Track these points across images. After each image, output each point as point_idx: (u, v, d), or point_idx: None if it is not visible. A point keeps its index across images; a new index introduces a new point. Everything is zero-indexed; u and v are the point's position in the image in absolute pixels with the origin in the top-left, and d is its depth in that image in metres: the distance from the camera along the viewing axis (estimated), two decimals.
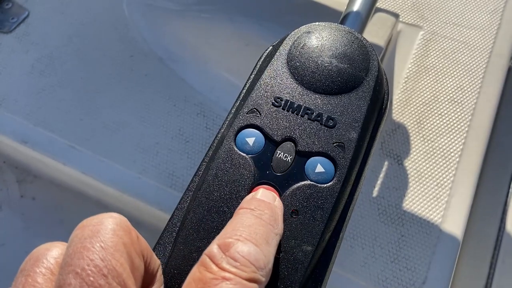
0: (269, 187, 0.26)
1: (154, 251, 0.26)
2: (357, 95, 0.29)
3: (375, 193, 0.52)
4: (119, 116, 0.59)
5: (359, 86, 0.29)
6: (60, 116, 0.60)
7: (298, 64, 0.30)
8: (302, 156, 0.27)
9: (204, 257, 0.20)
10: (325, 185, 0.26)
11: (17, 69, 0.64)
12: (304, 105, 0.28)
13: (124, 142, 0.57)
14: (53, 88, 0.62)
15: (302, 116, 0.28)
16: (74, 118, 0.60)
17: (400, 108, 0.58)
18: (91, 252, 0.19)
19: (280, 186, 0.26)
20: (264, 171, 0.27)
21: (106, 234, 0.20)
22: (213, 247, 0.20)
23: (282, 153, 0.27)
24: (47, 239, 0.64)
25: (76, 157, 0.56)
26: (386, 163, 0.54)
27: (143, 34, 0.67)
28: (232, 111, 0.30)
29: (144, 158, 0.56)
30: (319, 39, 0.31)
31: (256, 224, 0.22)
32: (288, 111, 0.28)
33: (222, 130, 0.29)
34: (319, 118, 0.28)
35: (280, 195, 0.26)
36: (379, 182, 0.53)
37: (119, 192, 0.55)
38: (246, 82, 0.31)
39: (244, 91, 0.30)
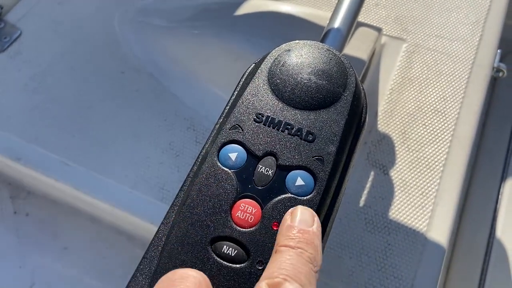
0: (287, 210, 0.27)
1: (140, 266, 0.27)
2: (335, 110, 0.30)
3: (361, 203, 0.53)
4: (110, 132, 0.60)
5: (337, 101, 0.30)
6: (52, 133, 0.61)
7: (278, 81, 0.31)
8: (283, 170, 0.28)
9: None
10: (305, 197, 0.27)
11: (10, 88, 0.65)
12: (285, 120, 0.30)
13: (115, 157, 0.58)
14: (45, 106, 0.63)
15: (282, 131, 0.29)
16: (67, 134, 0.61)
17: (385, 119, 0.60)
18: None
19: (262, 200, 0.28)
20: (246, 185, 0.28)
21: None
22: (262, 285, 0.22)
23: (264, 167, 0.28)
24: (41, 255, 0.65)
25: (68, 173, 0.57)
26: (372, 173, 0.55)
27: (134, 51, 0.68)
28: (216, 127, 0.31)
29: (135, 172, 0.57)
30: (299, 57, 0.32)
31: (298, 263, 0.23)
32: (269, 126, 0.30)
33: (206, 146, 0.30)
34: (299, 133, 0.29)
35: (262, 208, 0.27)
36: (365, 191, 0.54)
37: (111, 207, 0.55)
38: (230, 99, 0.32)
39: (228, 107, 0.32)
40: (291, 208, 0.27)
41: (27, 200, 0.63)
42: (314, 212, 0.26)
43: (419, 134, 0.58)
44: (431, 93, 0.62)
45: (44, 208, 0.63)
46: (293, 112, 0.30)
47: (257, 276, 0.26)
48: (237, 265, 0.26)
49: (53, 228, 0.62)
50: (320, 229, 0.26)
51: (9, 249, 0.61)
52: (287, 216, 0.26)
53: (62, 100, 0.64)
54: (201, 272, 0.24)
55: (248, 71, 0.33)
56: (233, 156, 0.29)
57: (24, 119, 0.62)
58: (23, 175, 0.61)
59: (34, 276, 0.60)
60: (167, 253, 0.26)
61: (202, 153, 0.30)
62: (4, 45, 0.69)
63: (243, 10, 0.66)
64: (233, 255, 0.26)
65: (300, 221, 0.26)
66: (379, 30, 0.60)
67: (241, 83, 0.33)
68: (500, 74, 0.69)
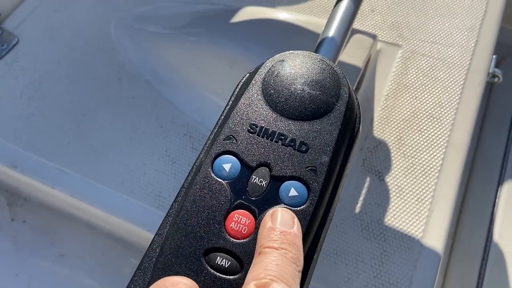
0: (288, 209, 0.27)
1: (135, 277, 0.27)
2: (328, 120, 0.30)
3: (357, 209, 0.54)
4: (107, 139, 0.61)
5: (330, 111, 0.31)
6: (49, 140, 0.61)
7: (272, 91, 0.31)
8: (277, 180, 0.28)
9: None
10: (298, 208, 0.28)
11: (7, 95, 0.65)
12: (278, 131, 0.30)
13: (111, 164, 0.59)
14: (42, 113, 0.63)
15: (276, 141, 0.30)
16: (63, 141, 0.61)
17: (381, 125, 0.60)
18: None
19: (255, 210, 0.28)
20: (240, 196, 0.28)
21: None
22: (250, 287, 0.23)
23: (257, 178, 0.29)
24: (38, 262, 0.65)
25: (65, 180, 0.57)
26: (368, 179, 0.56)
27: (130, 58, 0.68)
28: (210, 138, 0.31)
29: (131, 179, 0.57)
30: (292, 67, 0.32)
31: (283, 263, 0.24)
32: (263, 137, 0.30)
33: (200, 157, 0.30)
34: (292, 144, 0.29)
35: (255, 219, 0.27)
36: (361, 198, 0.54)
37: (107, 214, 0.56)
38: (224, 109, 0.33)
39: (222, 118, 0.32)
40: (270, 210, 0.27)
41: (24, 207, 0.63)
42: (293, 214, 0.27)
43: (415, 140, 0.59)
44: (426, 99, 0.62)
45: (41, 215, 0.63)
46: (286, 123, 0.30)
47: None
48: (231, 277, 0.26)
49: (50, 235, 0.62)
50: (300, 230, 0.26)
51: (6, 257, 0.61)
52: (267, 218, 0.27)
53: (58, 107, 0.64)
54: (191, 280, 0.24)
55: (242, 81, 0.33)
56: (227, 167, 0.29)
57: (20, 126, 0.62)
58: (20, 182, 0.61)
59: (30, 283, 0.60)
60: (161, 264, 0.27)
61: (196, 164, 0.30)
62: (1, 52, 0.69)
63: (239, 17, 0.67)
64: (226, 266, 0.26)
65: (281, 222, 0.26)
66: (374, 37, 0.60)
67: (235, 93, 0.33)
68: (496, 79, 0.70)
